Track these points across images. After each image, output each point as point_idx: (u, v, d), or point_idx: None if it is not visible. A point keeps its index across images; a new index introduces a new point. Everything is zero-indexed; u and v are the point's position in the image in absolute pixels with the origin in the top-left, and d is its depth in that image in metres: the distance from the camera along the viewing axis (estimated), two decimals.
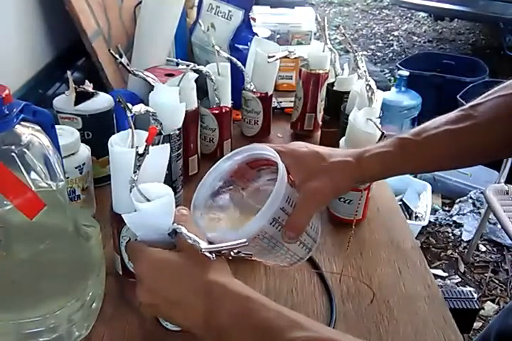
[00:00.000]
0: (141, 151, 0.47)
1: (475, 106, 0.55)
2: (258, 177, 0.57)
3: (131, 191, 0.48)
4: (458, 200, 2.21)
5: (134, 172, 0.48)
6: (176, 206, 0.50)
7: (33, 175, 0.46)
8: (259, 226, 0.49)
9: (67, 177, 0.67)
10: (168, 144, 0.53)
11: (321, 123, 1.00)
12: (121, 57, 0.78)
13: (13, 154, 0.44)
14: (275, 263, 0.57)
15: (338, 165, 0.55)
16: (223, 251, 0.46)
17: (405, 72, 2.53)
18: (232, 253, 0.47)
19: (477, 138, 0.55)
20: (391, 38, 4.54)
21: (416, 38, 4.49)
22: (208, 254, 0.45)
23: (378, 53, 4.15)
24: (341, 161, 0.56)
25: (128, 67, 0.78)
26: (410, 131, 0.57)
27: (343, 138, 0.74)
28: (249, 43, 1.00)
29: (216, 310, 0.43)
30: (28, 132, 0.47)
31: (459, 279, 1.88)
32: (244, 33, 1.07)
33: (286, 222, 0.51)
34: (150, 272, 0.46)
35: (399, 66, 2.90)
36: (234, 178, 0.56)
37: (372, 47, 4.30)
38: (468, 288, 1.80)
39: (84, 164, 0.70)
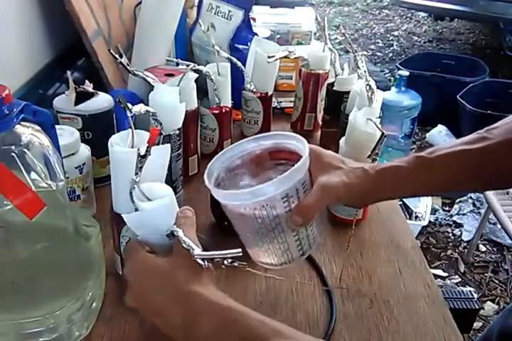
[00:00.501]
0: (142, 152, 0.47)
1: (491, 130, 0.56)
2: (273, 170, 0.57)
3: (132, 192, 0.48)
4: (458, 200, 2.21)
5: (136, 173, 0.48)
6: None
7: (33, 175, 0.46)
8: (272, 192, 0.48)
9: (67, 177, 0.67)
10: (169, 144, 0.53)
11: (321, 123, 1.00)
12: (121, 57, 0.78)
13: (13, 154, 0.44)
14: (265, 255, 0.56)
15: (356, 171, 0.56)
16: (216, 259, 0.46)
17: (405, 72, 2.53)
18: (225, 262, 0.47)
19: (490, 158, 0.55)
20: (391, 38, 4.54)
21: (416, 38, 4.49)
22: (200, 261, 0.45)
23: (378, 53, 4.15)
24: (359, 167, 0.57)
25: (128, 67, 0.78)
26: (426, 150, 0.58)
27: (343, 138, 0.74)
28: (249, 43, 1.00)
29: (195, 321, 0.43)
30: (28, 132, 0.47)
31: (459, 279, 1.88)
32: (244, 33, 1.07)
33: (295, 206, 0.51)
34: (138, 277, 0.47)
35: (399, 66, 2.90)
36: (253, 163, 0.56)
37: (372, 47, 4.30)
38: (468, 288, 1.80)
39: (84, 164, 0.70)
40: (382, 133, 0.66)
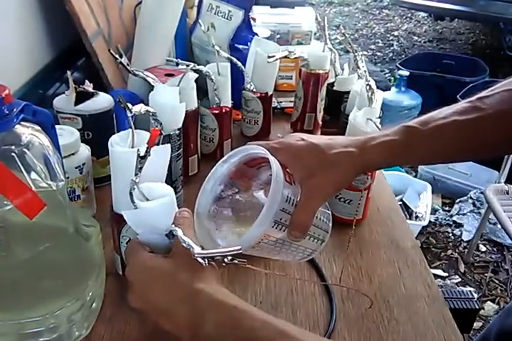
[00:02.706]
0: (142, 153, 0.47)
1: (482, 99, 0.55)
2: (259, 174, 0.56)
3: (131, 193, 0.48)
4: (458, 200, 2.21)
5: (136, 174, 0.48)
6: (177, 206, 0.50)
7: (33, 175, 0.46)
8: (259, 233, 0.48)
9: (67, 177, 0.67)
10: (169, 144, 0.53)
11: (321, 123, 1.00)
12: (121, 57, 0.78)
13: (13, 154, 0.44)
14: (289, 258, 0.57)
15: (339, 158, 0.53)
16: (216, 258, 0.46)
17: (405, 72, 2.53)
18: (225, 260, 0.46)
19: (483, 130, 0.54)
20: (391, 37, 4.54)
21: (416, 38, 4.49)
22: (200, 260, 0.45)
23: (378, 53, 4.15)
24: (343, 152, 0.53)
25: (128, 67, 0.78)
26: (416, 119, 0.56)
27: None
28: (249, 43, 1.00)
29: (202, 319, 0.43)
30: (28, 132, 0.47)
31: (459, 279, 1.88)
32: (244, 33, 1.07)
33: (289, 222, 0.50)
34: (140, 278, 0.46)
35: (399, 66, 2.91)
36: (234, 179, 0.55)
37: (372, 47, 4.30)
38: (468, 288, 1.80)
39: (84, 164, 0.70)
40: None
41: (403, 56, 3.89)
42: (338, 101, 0.89)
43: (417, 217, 1.97)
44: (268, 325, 0.42)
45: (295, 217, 0.50)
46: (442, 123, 0.54)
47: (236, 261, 0.47)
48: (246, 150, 0.54)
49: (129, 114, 0.55)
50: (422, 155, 0.57)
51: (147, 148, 0.47)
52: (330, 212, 0.58)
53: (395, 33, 4.64)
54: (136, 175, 0.48)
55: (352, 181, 0.58)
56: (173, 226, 0.47)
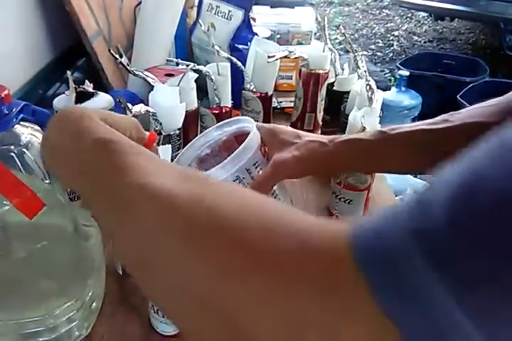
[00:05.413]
0: None
1: (454, 114, 0.57)
2: None
3: None
4: None
5: None
6: None
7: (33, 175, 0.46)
8: (222, 176, 0.50)
9: None
10: (169, 145, 0.53)
11: (321, 123, 1.00)
12: (121, 57, 0.78)
13: (12, 154, 0.44)
14: None
15: (310, 144, 0.58)
16: None
17: (405, 72, 2.53)
18: None
19: (449, 141, 0.54)
20: (391, 37, 4.54)
21: (416, 38, 4.49)
22: None
23: (378, 53, 4.15)
24: (315, 140, 0.58)
25: (128, 67, 0.78)
26: (390, 126, 0.59)
27: None
28: (249, 43, 1.00)
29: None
30: (28, 132, 0.47)
31: None
32: (244, 33, 1.07)
33: (249, 184, 0.54)
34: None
35: (399, 66, 2.90)
36: (221, 149, 0.58)
37: (373, 47, 4.30)
38: None
39: None
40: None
41: (403, 56, 3.88)
42: (338, 101, 0.89)
43: None
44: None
45: (254, 182, 0.54)
46: (408, 130, 0.56)
47: None
48: (240, 122, 0.57)
49: (129, 114, 0.55)
50: (385, 157, 0.58)
51: None
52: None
53: (395, 33, 4.64)
54: None
55: (318, 170, 0.61)
56: None
